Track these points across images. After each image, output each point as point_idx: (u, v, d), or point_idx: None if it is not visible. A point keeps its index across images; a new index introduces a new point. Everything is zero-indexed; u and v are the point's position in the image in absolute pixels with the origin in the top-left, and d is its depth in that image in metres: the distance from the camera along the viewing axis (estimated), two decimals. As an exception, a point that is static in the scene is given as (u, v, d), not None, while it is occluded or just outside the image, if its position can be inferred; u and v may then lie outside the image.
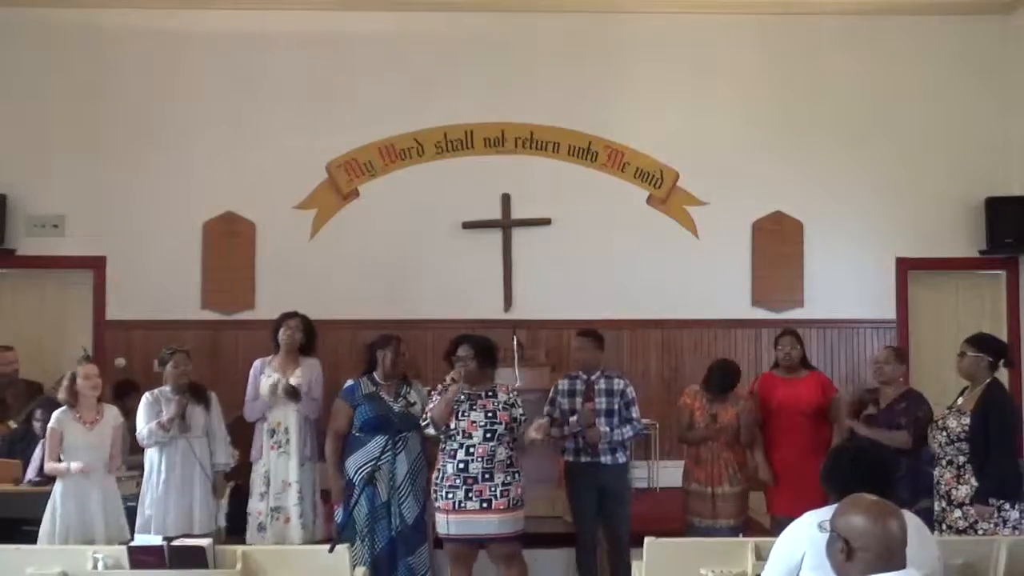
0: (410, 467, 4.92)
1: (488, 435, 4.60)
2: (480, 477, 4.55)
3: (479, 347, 4.76)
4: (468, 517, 4.53)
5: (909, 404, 4.99)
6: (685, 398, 5.39)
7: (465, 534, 4.56)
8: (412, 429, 4.95)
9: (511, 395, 4.80)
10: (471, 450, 4.57)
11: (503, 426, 4.64)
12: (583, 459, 5.14)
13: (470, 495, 4.54)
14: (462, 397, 4.66)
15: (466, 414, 4.62)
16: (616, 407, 5.19)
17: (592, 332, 5.39)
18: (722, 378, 5.26)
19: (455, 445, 4.60)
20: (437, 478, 4.65)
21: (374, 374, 5.09)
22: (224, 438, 5.24)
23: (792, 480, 5.13)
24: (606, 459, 5.13)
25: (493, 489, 4.55)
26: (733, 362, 5.46)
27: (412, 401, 5.05)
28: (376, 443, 4.88)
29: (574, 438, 5.13)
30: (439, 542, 5.29)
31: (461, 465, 4.56)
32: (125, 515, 5.00)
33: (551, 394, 5.30)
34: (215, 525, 5.10)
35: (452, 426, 4.60)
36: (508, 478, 4.61)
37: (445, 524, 4.59)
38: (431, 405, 4.70)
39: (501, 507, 4.56)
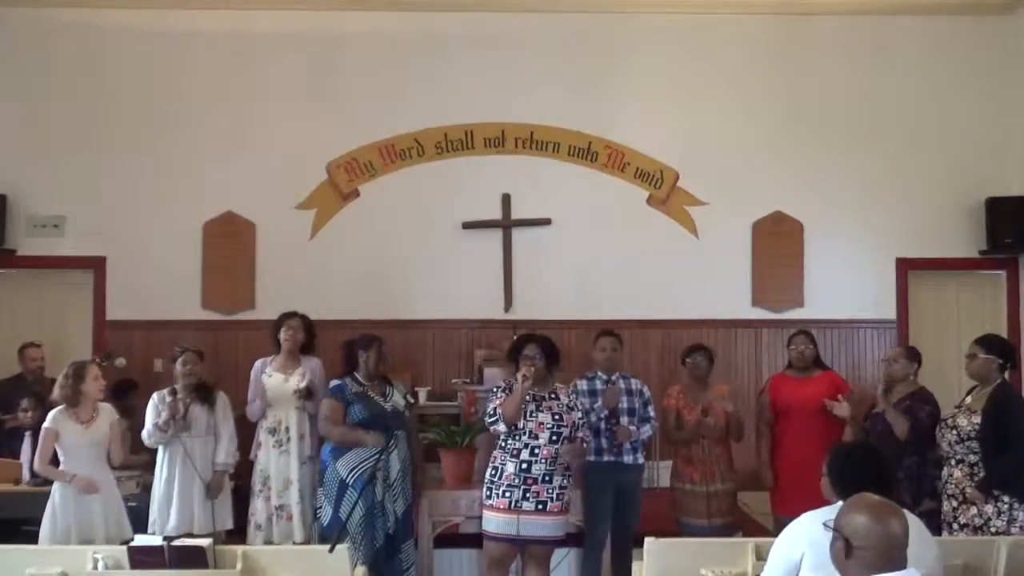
0: (402, 465, 4.95)
1: (554, 437, 4.61)
2: (541, 479, 4.57)
3: (545, 347, 4.77)
4: (523, 518, 4.53)
5: (913, 403, 4.94)
6: (669, 399, 5.41)
7: (515, 534, 4.55)
8: (402, 428, 4.98)
9: (571, 397, 4.82)
10: (536, 451, 4.58)
11: (568, 429, 4.67)
12: (605, 459, 5.13)
13: (527, 495, 4.54)
14: (528, 397, 4.64)
15: (533, 415, 4.62)
16: (636, 406, 5.22)
17: (616, 332, 5.41)
18: (689, 351, 5.41)
19: (519, 445, 4.60)
20: (494, 476, 4.62)
21: (356, 374, 5.09)
22: (229, 438, 5.24)
23: (800, 481, 5.09)
24: (628, 459, 5.16)
25: (550, 492, 4.57)
26: (706, 345, 5.59)
27: (410, 400, 5.06)
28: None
29: (596, 437, 5.10)
30: (441, 542, 5.31)
31: (524, 465, 4.56)
32: (126, 514, 4.99)
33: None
34: (214, 526, 5.07)
35: (520, 426, 4.59)
36: (564, 481, 4.65)
37: (495, 523, 4.57)
38: (496, 402, 4.64)
39: (555, 510, 4.59)
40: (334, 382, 5.14)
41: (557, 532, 4.65)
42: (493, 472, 4.66)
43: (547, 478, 4.58)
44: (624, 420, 5.14)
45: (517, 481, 4.55)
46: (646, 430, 5.22)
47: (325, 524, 4.97)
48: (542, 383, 4.71)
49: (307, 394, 5.30)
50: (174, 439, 5.04)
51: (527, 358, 4.67)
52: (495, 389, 4.79)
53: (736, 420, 5.33)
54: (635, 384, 5.31)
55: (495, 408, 4.64)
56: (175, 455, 5.07)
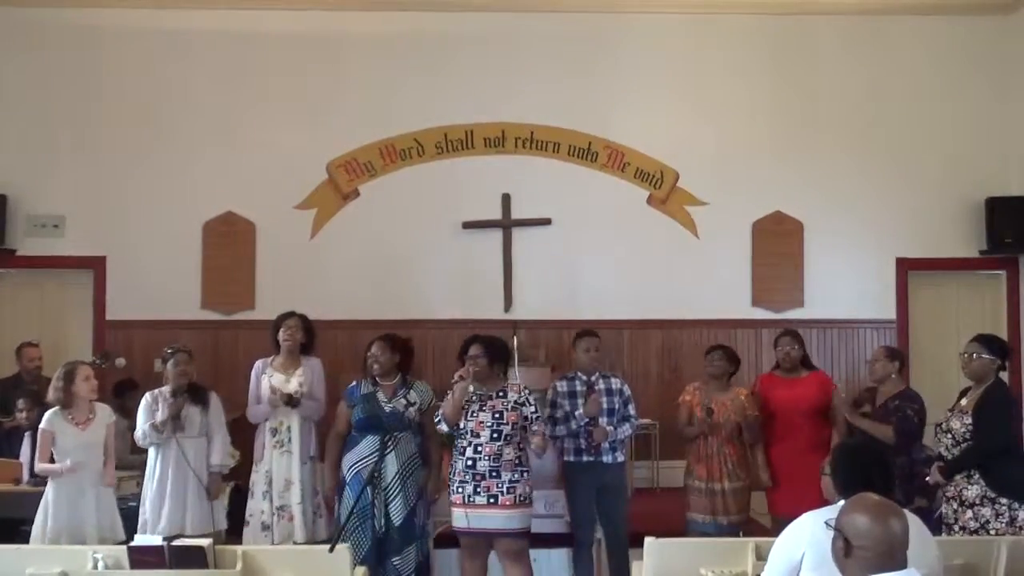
0: (400, 468, 4.90)
1: (495, 435, 4.68)
2: (487, 474, 4.66)
3: (489, 347, 4.82)
4: (477, 512, 4.64)
5: (901, 403, 5.00)
6: (685, 395, 5.42)
7: (474, 528, 4.67)
8: (404, 430, 4.95)
9: (522, 394, 4.85)
10: (478, 449, 4.68)
11: (510, 426, 4.71)
12: (585, 458, 5.15)
13: (478, 490, 4.65)
14: (473, 397, 4.73)
15: (475, 415, 4.72)
16: (616, 406, 5.22)
17: (596, 332, 5.43)
18: (709, 350, 5.43)
19: (464, 443, 4.72)
20: (451, 473, 4.78)
21: (373, 374, 5.11)
22: (223, 439, 5.20)
23: (792, 480, 5.13)
24: (607, 458, 5.16)
25: (500, 486, 4.65)
26: (729, 347, 5.56)
27: (412, 401, 5.05)
28: (367, 443, 4.90)
29: (575, 438, 5.14)
30: (441, 542, 5.32)
31: (469, 462, 4.68)
32: (120, 515, 4.98)
33: (550, 396, 5.29)
34: (211, 527, 5.06)
35: (461, 425, 4.71)
36: (515, 476, 4.70)
37: (456, 517, 4.72)
38: (444, 403, 4.77)
39: (507, 503, 4.65)
40: (352, 383, 5.17)
41: (512, 525, 4.68)
42: (451, 470, 4.80)
43: (494, 473, 4.66)
44: (603, 420, 5.15)
45: (467, 477, 4.67)
46: (625, 429, 5.22)
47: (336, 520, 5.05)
48: (488, 382, 4.78)
49: (289, 402, 5.27)
50: (168, 440, 5.03)
51: (471, 358, 4.76)
52: (448, 393, 4.84)
53: (752, 425, 5.30)
54: (615, 383, 5.29)
55: (441, 411, 4.79)
56: (168, 456, 5.04)
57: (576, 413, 5.12)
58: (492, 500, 4.63)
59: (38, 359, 6.84)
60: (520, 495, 4.69)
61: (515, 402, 4.77)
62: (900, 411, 4.95)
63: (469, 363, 4.74)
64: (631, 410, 5.28)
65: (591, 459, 5.14)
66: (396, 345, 5.13)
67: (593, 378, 5.26)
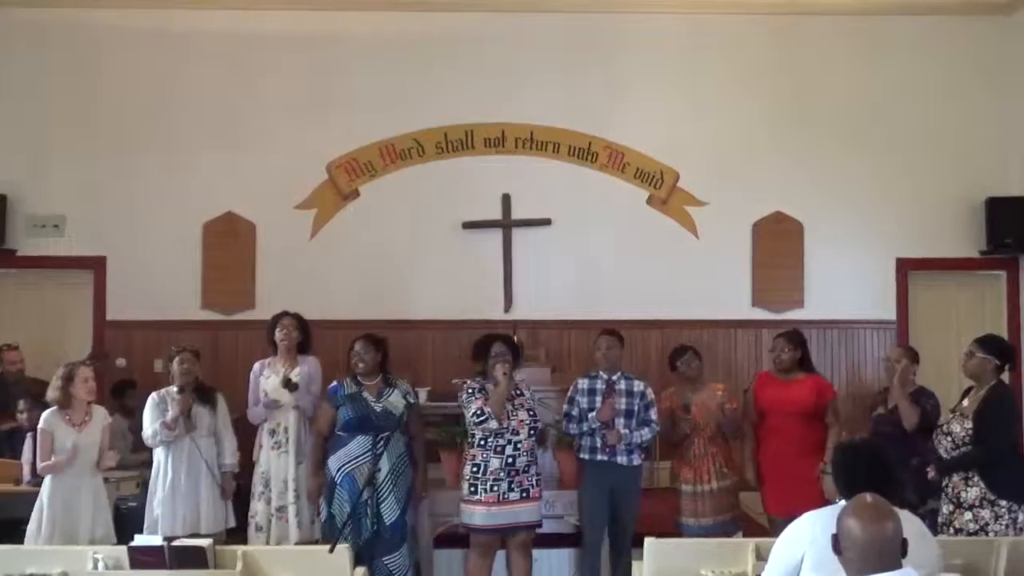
0: (391, 467, 4.92)
1: (531, 431, 4.87)
2: (522, 469, 4.82)
3: (510, 344, 4.99)
4: (511, 507, 4.76)
5: (918, 400, 5.06)
6: (663, 402, 5.41)
7: (506, 524, 4.77)
8: (394, 429, 4.95)
9: (529, 391, 5.04)
10: (518, 446, 4.81)
11: (540, 422, 4.94)
12: (599, 458, 5.17)
13: (512, 486, 4.78)
14: None
15: (513, 414, 4.83)
16: (636, 408, 5.23)
17: (617, 332, 5.45)
18: (678, 353, 5.48)
19: (503, 442, 4.80)
20: (477, 472, 4.78)
21: (357, 375, 5.11)
22: (231, 439, 5.24)
23: (780, 480, 5.16)
24: (622, 460, 5.18)
25: (531, 479, 4.84)
26: (692, 346, 5.63)
27: (412, 402, 5.05)
28: (358, 443, 4.91)
29: (591, 436, 5.15)
30: (441, 541, 5.32)
31: (509, 460, 4.79)
32: (119, 515, 4.98)
33: (570, 392, 5.33)
34: (225, 524, 5.08)
35: (503, 424, 4.78)
36: (536, 468, 4.92)
37: (484, 516, 4.75)
38: (479, 403, 4.75)
39: (536, 495, 4.86)
40: (333, 384, 5.15)
41: (537, 516, 4.89)
42: (475, 469, 4.80)
43: (527, 468, 4.83)
44: (620, 422, 5.16)
45: (503, 475, 4.76)
46: (644, 433, 5.21)
47: (323, 521, 5.04)
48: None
49: (288, 384, 5.29)
50: (181, 438, 5.03)
51: (499, 355, 4.85)
52: (469, 391, 4.88)
53: (730, 418, 5.33)
54: (637, 386, 5.29)
55: (482, 408, 4.77)
56: (180, 455, 5.05)
57: (590, 415, 5.14)
58: (524, 494, 4.79)
59: (19, 362, 6.79)
60: (541, 487, 4.90)
61: (530, 397, 4.97)
62: (919, 404, 5.01)
63: (502, 360, 4.81)
64: (652, 415, 5.27)
65: (605, 459, 5.16)
66: (379, 344, 5.14)
67: (615, 378, 5.27)
